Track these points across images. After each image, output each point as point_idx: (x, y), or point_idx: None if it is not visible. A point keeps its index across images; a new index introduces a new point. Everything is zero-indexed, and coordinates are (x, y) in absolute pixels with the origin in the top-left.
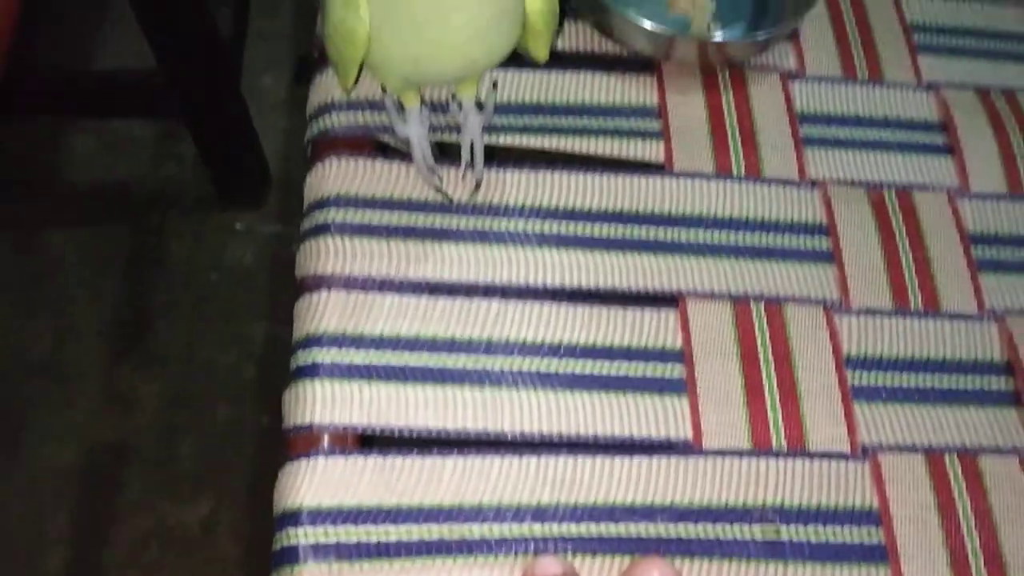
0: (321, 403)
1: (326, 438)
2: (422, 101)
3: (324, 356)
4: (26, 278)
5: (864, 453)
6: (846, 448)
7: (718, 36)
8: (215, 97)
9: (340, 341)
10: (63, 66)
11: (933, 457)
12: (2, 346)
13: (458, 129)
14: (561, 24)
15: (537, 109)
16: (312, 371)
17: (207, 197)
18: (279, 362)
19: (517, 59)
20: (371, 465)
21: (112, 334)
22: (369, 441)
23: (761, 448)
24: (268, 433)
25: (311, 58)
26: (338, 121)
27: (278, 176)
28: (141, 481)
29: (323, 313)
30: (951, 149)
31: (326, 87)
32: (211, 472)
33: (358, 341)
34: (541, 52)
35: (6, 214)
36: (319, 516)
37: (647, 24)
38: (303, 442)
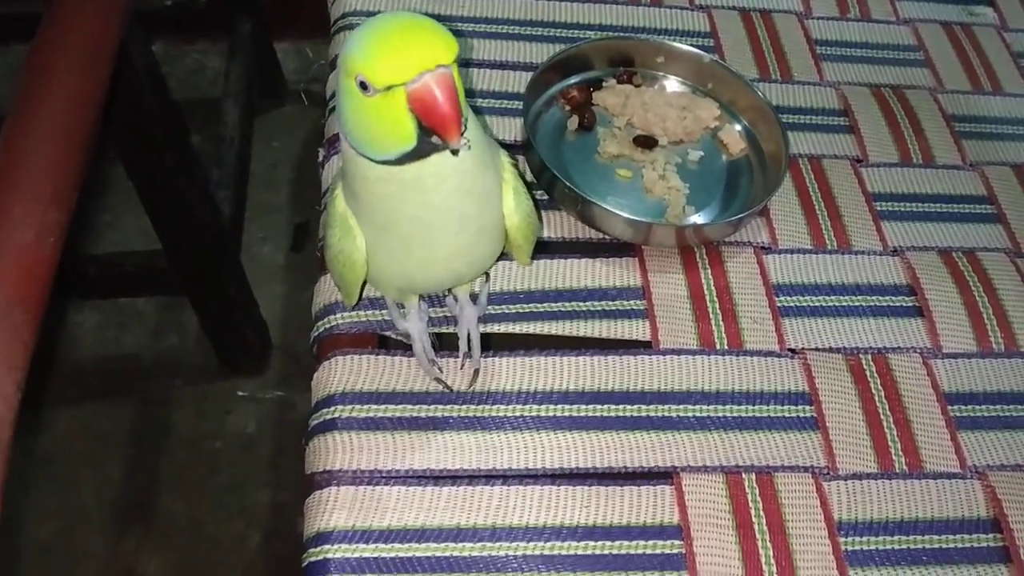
0: None
1: None
2: (420, 297)
3: (335, 552)
4: (33, 459)
5: None
6: None
7: (693, 219)
8: (216, 274)
9: (350, 536)
10: (70, 250)
11: None
12: (9, 527)
13: (455, 321)
14: (541, 219)
15: (528, 296)
16: (323, 568)
17: (210, 366)
18: (284, 530)
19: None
20: None
21: (118, 509)
22: None
23: None
24: None
25: (307, 227)
26: (342, 320)
27: (278, 342)
28: None
29: (333, 509)
30: (920, 311)
31: (330, 289)
32: None
33: (367, 535)
34: (523, 260)
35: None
36: None
37: (626, 214)
38: None
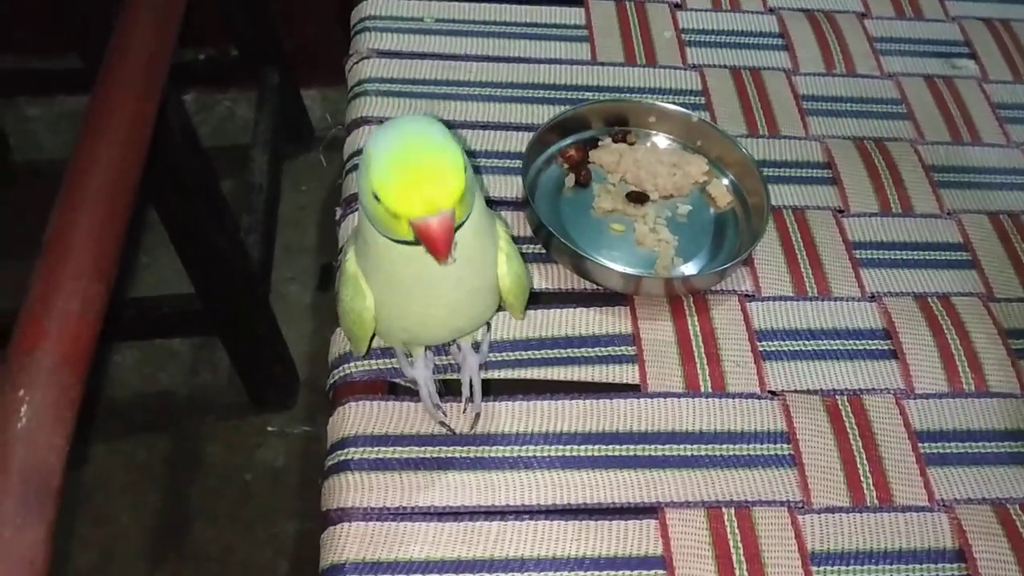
0: None
1: None
2: (426, 347)
3: None
4: (73, 492)
5: None
6: None
7: (682, 270)
8: (247, 315)
9: (361, 569)
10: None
11: None
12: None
13: (459, 368)
14: (536, 269)
15: (526, 344)
16: None
17: (241, 402)
18: (311, 558)
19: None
20: None
21: (153, 538)
22: None
23: None
24: None
25: (333, 267)
26: (355, 368)
27: (305, 377)
28: None
29: (345, 544)
30: (895, 354)
31: (344, 340)
32: None
33: (377, 567)
34: (516, 315)
35: None
36: None
37: (618, 267)
38: None
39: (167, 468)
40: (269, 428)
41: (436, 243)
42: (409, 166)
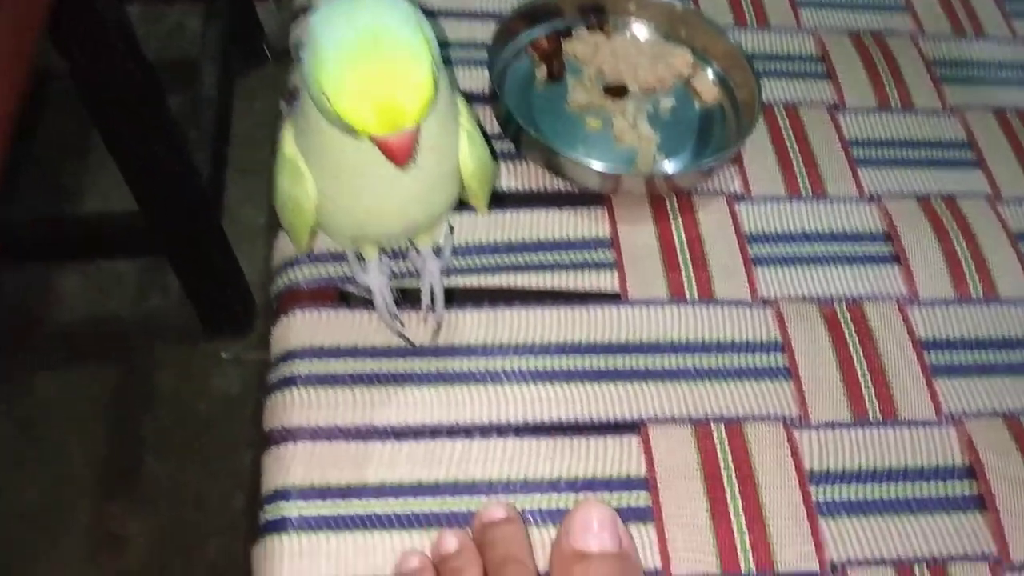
0: (289, 558)
1: None
2: (382, 250)
3: (292, 510)
4: (15, 425)
5: (833, 570)
6: (815, 567)
7: (664, 167)
8: (196, 235)
9: (307, 493)
10: (48, 212)
11: (902, 569)
12: None
13: (418, 274)
14: (505, 166)
15: (493, 248)
16: (280, 526)
17: (193, 328)
18: None
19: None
20: None
21: (102, 473)
22: None
23: (730, 571)
24: None
25: None
26: (302, 274)
27: (262, 302)
28: None
29: (290, 466)
30: (897, 258)
31: (289, 243)
32: None
33: (325, 492)
34: (480, 206)
35: None
36: None
37: (595, 164)
38: None
39: (116, 398)
40: (223, 355)
41: (395, 157)
42: (366, 70)
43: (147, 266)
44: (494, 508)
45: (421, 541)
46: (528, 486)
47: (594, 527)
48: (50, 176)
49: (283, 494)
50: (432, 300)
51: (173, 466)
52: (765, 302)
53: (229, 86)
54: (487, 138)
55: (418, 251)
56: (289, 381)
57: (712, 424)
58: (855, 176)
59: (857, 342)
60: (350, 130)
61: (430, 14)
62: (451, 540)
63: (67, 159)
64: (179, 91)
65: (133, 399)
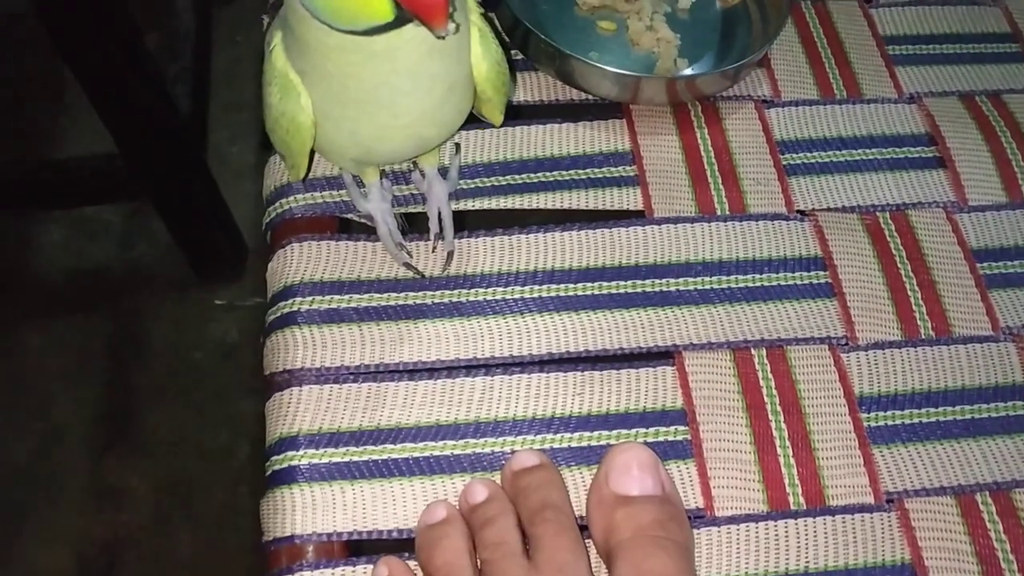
0: (302, 511)
1: (311, 550)
2: (383, 174)
3: (301, 459)
4: (4, 379)
5: (889, 503)
6: (870, 499)
7: (686, 71)
8: (180, 175)
9: (317, 440)
10: (24, 159)
11: (964, 499)
12: None
13: (423, 198)
14: (514, 77)
15: (504, 167)
16: (289, 476)
17: (183, 275)
18: None
19: (478, 118)
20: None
21: (97, 427)
22: (358, 548)
23: (778, 509)
24: None
25: None
26: (296, 203)
27: (254, 246)
28: None
29: (296, 412)
30: (942, 162)
31: (280, 169)
32: (211, 559)
33: (336, 438)
34: (495, 117)
35: None
36: None
37: (611, 68)
38: (287, 556)
39: (108, 351)
40: (217, 302)
41: (430, 8)
42: None
43: (132, 212)
44: (525, 455)
45: (445, 488)
46: (557, 424)
47: (634, 470)
48: (22, 121)
49: (290, 442)
50: (441, 227)
51: (170, 417)
52: (802, 214)
53: (207, 17)
54: (500, 38)
55: (422, 173)
56: (289, 319)
57: (752, 349)
58: (892, 75)
59: (904, 255)
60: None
61: None
62: (480, 489)
63: (39, 102)
64: (154, 25)
65: (124, 350)
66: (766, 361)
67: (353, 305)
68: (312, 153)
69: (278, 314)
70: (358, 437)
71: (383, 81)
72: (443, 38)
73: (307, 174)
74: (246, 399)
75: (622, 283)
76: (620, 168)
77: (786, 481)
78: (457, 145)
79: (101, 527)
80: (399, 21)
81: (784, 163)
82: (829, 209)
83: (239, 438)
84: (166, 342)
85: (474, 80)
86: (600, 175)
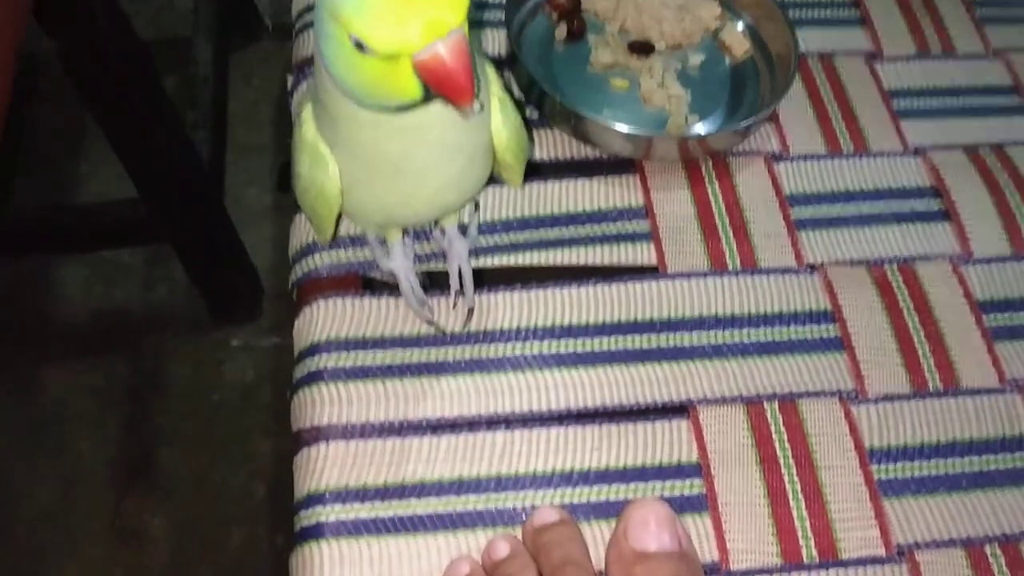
0: (330, 567)
1: None
2: (404, 232)
3: (328, 515)
4: (26, 421)
5: (900, 554)
6: (881, 551)
7: (697, 128)
8: (200, 219)
9: (344, 496)
10: (47, 203)
11: (974, 551)
12: (6, 494)
13: (444, 256)
14: (531, 137)
15: (522, 224)
16: (317, 532)
17: (201, 316)
18: (290, 479)
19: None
20: None
21: (117, 468)
22: None
23: (792, 562)
24: (284, 553)
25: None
26: (321, 261)
27: (270, 286)
28: None
29: (323, 468)
30: (947, 214)
31: (306, 228)
32: None
33: (362, 494)
34: (515, 181)
35: (1, 356)
36: None
37: (623, 127)
38: None
39: (127, 392)
40: (234, 342)
41: (457, 79)
42: None
43: (151, 255)
44: (545, 511)
45: (468, 543)
46: (576, 478)
47: (652, 526)
48: (45, 166)
49: (318, 498)
50: (461, 283)
51: (190, 457)
52: (812, 268)
53: (225, 63)
54: (518, 105)
55: (443, 231)
56: (316, 376)
57: (764, 402)
58: (898, 129)
59: (911, 307)
60: (394, 90)
61: None
62: (502, 545)
63: (62, 148)
64: (172, 70)
65: (144, 392)
66: (778, 414)
67: (377, 362)
68: (339, 217)
69: (305, 371)
70: (384, 493)
71: (410, 153)
72: (469, 117)
73: (335, 237)
74: (263, 440)
75: (637, 338)
76: (634, 223)
77: (799, 534)
78: (476, 203)
79: (121, 568)
80: (426, 99)
81: (793, 217)
82: (838, 262)
83: (256, 478)
84: (184, 383)
85: (494, 147)
86: (615, 231)
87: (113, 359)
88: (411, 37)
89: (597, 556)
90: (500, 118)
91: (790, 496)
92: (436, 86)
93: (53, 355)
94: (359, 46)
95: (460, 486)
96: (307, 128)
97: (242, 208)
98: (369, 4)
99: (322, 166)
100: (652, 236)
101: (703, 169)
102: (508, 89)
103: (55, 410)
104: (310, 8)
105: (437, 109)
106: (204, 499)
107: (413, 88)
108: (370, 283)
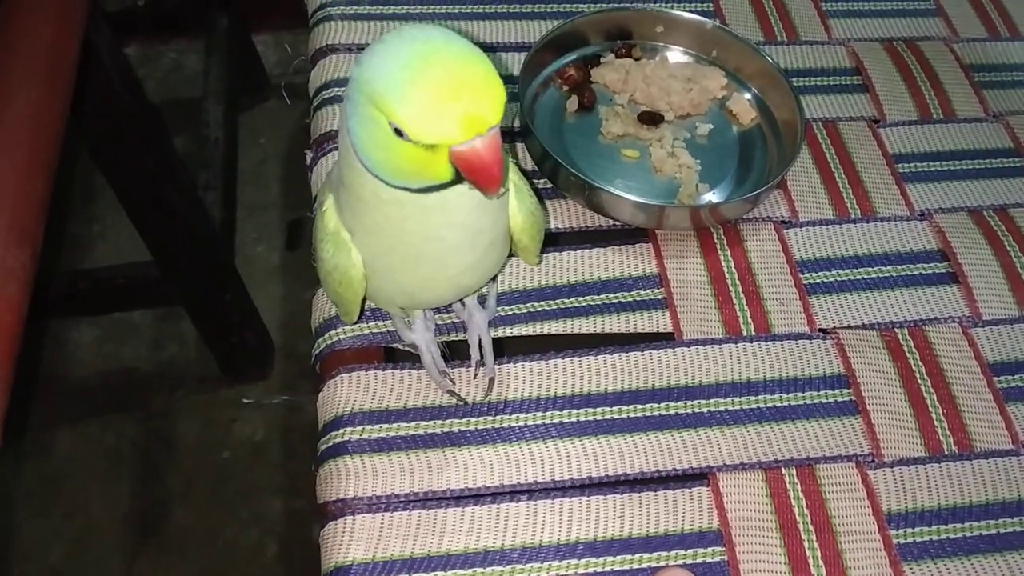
0: None
1: None
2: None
3: None
4: (39, 480)
5: None
6: None
7: (708, 197)
8: (211, 280)
9: (371, 570)
10: (60, 268)
11: None
12: (18, 554)
13: (464, 327)
14: (545, 208)
15: (539, 294)
16: None
17: (212, 374)
18: (300, 536)
19: None
20: None
21: (129, 527)
22: None
23: None
24: None
25: (302, 223)
26: (344, 335)
27: (280, 344)
28: None
29: (350, 541)
30: (955, 277)
31: (327, 301)
32: None
33: (389, 566)
34: (531, 260)
35: (15, 417)
36: None
37: (636, 198)
38: None
39: (138, 450)
40: (245, 400)
41: (490, 170)
42: (439, 79)
43: (161, 315)
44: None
45: None
46: (599, 547)
47: None
48: (55, 230)
49: (344, 571)
50: (481, 354)
51: (200, 516)
52: (824, 332)
53: (234, 123)
54: (532, 183)
55: (463, 303)
56: (340, 449)
57: (783, 468)
58: (903, 193)
59: (924, 370)
60: (429, 173)
61: None
62: None
63: (72, 210)
64: (182, 131)
65: (155, 450)
66: (796, 480)
67: (400, 433)
68: (363, 299)
69: (329, 443)
70: (410, 565)
71: (434, 235)
72: (495, 197)
73: (359, 317)
74: (274, 497)
75: (656, 405)
76: (649, 291)
77: None
78: (495, 276)
79: None
80: (455, 182)
81: (804, 282)
82: (849, 327)
83: (268, 536)
84: (195, 441)
85: (511, 230)
86: (630, 299)
87: (123, 418)
88: (453, 133)
89: None
90: (516, 202)
91: (811, 563)
92: (469, 175)
93: (65, 414)
94: (398, 132)
95: (486, 557)
96: (329, 217)
97: (251, 266)
98: (413, 96)
99: (345, 252)
100: (667, 303)
101: (715, 236)
102: (523, 170)
103: (66, 468)
104: (327, 86)
105: (461, 189)
106: (215, 557)
107: (445, 172)
108: (392, 354)
